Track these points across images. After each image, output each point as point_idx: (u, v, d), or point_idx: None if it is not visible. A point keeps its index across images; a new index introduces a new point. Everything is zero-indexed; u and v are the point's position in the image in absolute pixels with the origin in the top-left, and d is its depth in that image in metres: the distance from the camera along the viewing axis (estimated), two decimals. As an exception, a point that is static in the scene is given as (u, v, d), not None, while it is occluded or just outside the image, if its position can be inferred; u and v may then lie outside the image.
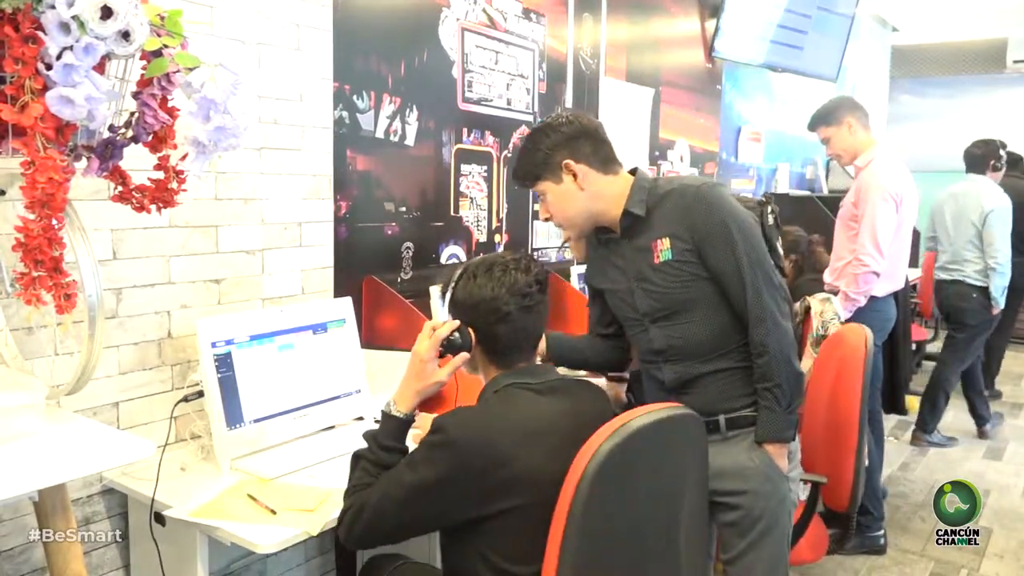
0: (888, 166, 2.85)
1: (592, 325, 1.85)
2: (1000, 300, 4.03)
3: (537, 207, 1.73)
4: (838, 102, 3.07)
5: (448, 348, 1.43)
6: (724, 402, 1.60)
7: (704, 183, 1.59)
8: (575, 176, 1.58)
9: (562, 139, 1.59)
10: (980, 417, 4.42)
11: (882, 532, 2.98)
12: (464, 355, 1.43)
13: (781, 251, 2.76)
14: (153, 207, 1.31)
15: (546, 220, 1.69)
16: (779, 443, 1.58)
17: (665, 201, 1.58)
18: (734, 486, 1.59)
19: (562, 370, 1.69)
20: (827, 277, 2.99)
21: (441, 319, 1.48)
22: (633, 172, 1.66)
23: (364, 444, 1.43)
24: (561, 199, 1.61)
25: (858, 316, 2.78)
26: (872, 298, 2.81)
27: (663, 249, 1.57)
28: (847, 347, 2.03)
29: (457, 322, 1.44)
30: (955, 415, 4.49)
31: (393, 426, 1.43)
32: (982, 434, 4.40)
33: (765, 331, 1.53)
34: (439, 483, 1.28)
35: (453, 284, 1.46)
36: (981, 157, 4.15)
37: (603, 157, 1.62)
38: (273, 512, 1.50)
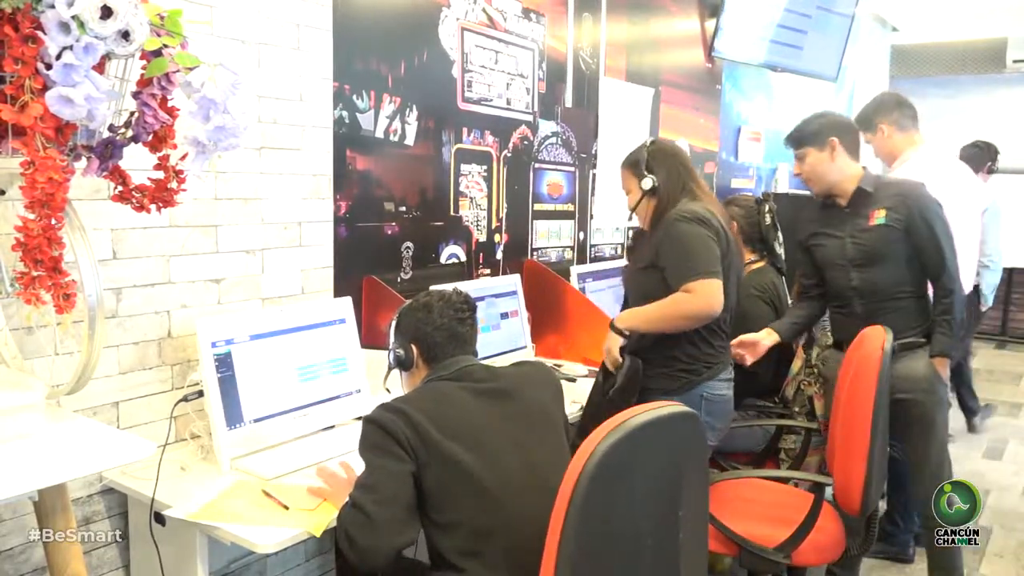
0: (920, 169, 2.70)
1: (798, 278, 2.56)
2: (989, 297, 4.05)
3: (536, 207, 1.77)
4: (876, 104, 2.92)
5: (395, 363, 1.66)
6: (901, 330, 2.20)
7: (922, 186, 2.32)
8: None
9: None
10: (969, 410, 4.42)
11: (910, 545, 2.90)
12: None
13: (780, 250, 2.77)
14: (153, 207, 1.31)
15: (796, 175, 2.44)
16: (945, 358, 2.30)
17: (889, 187, 2.33)
18: (910, 387, 2.26)
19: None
20: None
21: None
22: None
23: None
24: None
25: None
26: None
27: (878, 217, 2.29)
28: (865, 348, 2.00)
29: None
30: (951, 414, 4.48)
31: None
32: (971, 427, 4.41)
33: (951, 280, 2.27)
34: (384, 445, 1.42)
35: (396, 318, 1.68)
36: (979, 157, 4.17)
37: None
38: (286, 507, 1.52)
